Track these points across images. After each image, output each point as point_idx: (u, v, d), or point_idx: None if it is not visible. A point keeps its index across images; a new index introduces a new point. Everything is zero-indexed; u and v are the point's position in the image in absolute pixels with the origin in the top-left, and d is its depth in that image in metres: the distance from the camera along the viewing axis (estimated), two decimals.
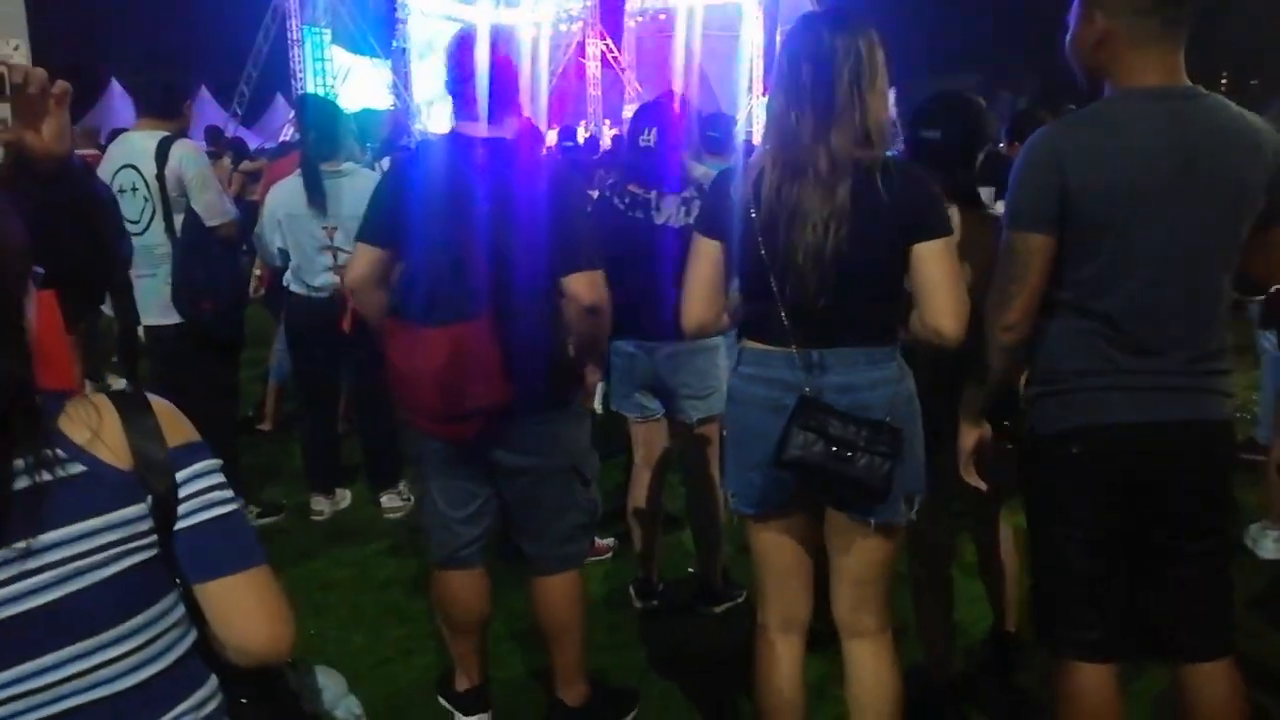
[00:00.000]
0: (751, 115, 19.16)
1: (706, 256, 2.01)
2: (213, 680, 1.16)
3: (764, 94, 20.61)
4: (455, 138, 2.35)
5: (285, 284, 4.09)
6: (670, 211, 3.03)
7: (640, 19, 20.48)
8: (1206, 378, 1.84)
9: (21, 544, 0.99)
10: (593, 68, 17.94)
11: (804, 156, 1.85)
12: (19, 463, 1.00)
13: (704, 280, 2.02)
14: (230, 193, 5.14)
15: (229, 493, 1.15)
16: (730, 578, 3.41)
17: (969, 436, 2.13)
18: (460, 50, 2.31)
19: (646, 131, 3.06)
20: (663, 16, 20.36)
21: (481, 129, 2.29)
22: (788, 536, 2.09)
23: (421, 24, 19.54)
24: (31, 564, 1.00)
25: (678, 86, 16.37)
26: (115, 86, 18.16)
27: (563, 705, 2.63)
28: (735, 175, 1.98)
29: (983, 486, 2.16)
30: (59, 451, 1.02)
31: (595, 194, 3.58)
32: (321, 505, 4.27)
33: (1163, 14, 1.76)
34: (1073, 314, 1.86)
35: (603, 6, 17.12)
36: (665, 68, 17.43)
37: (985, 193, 2.65)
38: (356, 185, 3.81)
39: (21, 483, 1.00)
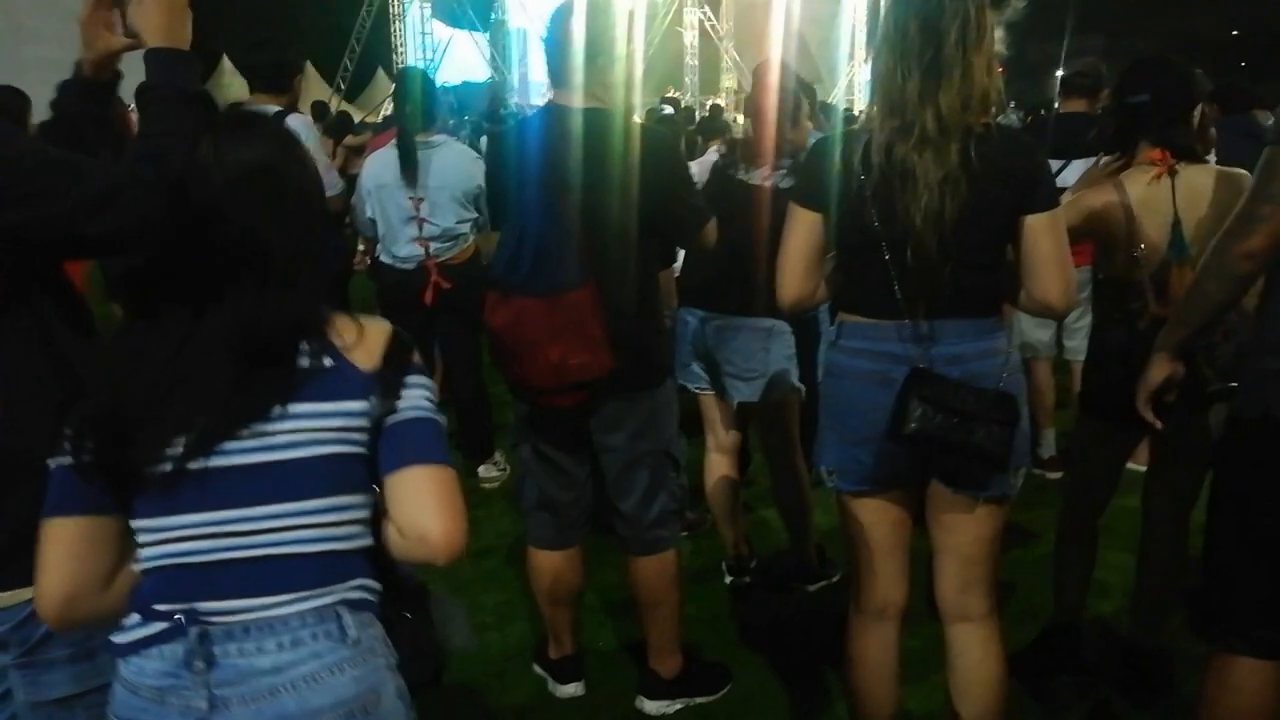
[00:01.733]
0: (853, 83, 18.73)
1: (806, 228, 1.96)
2: (375, 584, 1.26)
3: (866, 60, 20.14)
4: (552, 109, 2.36)
5: (377, 255, 4.17)
6: (757, 172, 2.96)
7: None
8: None
9: (279, 408, 1.18)
10: (690, 37, 17.74)
11: (911, 116, 1.80)
12: (303, 346, 1.22)
13: (803, 252, 1.97)
14: (335, 166, 5.26)
15: (435, 405, 1.29)
16: (827, 555, 3.36)
17: (1159, 369, 1.99)
18: (557, 22, 2.32)
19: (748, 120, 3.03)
20: None
21: (578, 99, 2.30)
22: (888, 515, 2.03)
23: None
24: (284, 425, 1.18)
25: (775, 54, 16.10)
26: (226, 63, 18.87)
27: (656, 676, 2.64)
28: (834, 143, 1.93)
29: (1157, 425, 2.05)
30: (324, 350, 1.22)
31: (709, 158, 3.52)
32: None
33: None
34: None
35: None
36: (764, 35, 17.13)
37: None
38: (445, 158, 3.87)
39: (302, 362, 1.21)
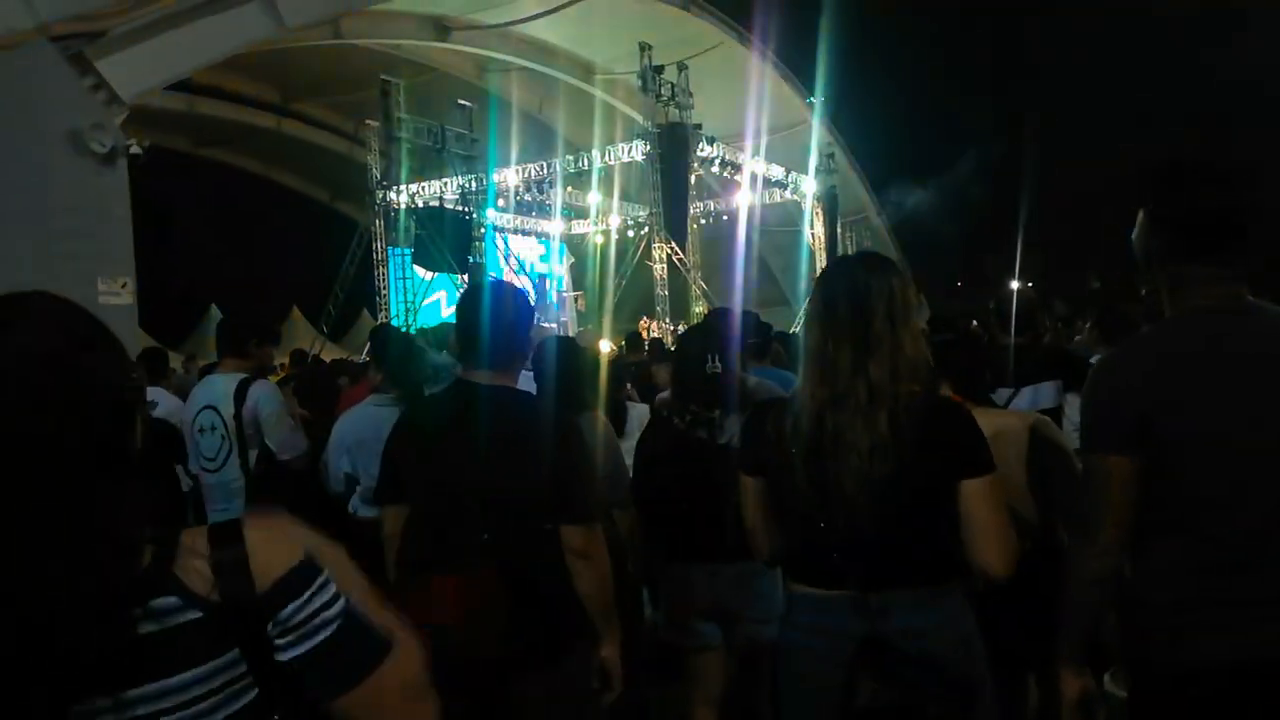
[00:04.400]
0: None
1: (755, 493, 2.05)
2: None
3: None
4: (459, 385, 2.43)
5: (353, 510, 4.17)
6: (734, 431, 3.05)
7: (705, 221, 21.42)
8: None
9: (128, 693, 1.00)
10: (659, 269, 18.62)
11: (843, 387, 1.87)
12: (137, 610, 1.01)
13: (760, 516, 2.06)
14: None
15: (334, 602, 1.09)
16: None
17: (1072, 686, 1.90)
18: (466, 302, 2.45)
19: (711, 359, 3.03)
20: (725, 217, 21.25)
21: (484, 376, 2.36)
22: None
23: (497, 239, 20.71)
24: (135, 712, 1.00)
25: (739, 283, 16.83)
26: (215, 311, 19.55)
27: None
28: (765, 410, 2.02)
29: None
30: (173, 599, 1.03)
31: (653, 409, 3.63)
32: None
33: None
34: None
35: (667, 212, 17.98)
36: (730, 264, 18.03)
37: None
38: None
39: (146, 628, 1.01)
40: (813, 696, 1.91)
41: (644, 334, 14.19)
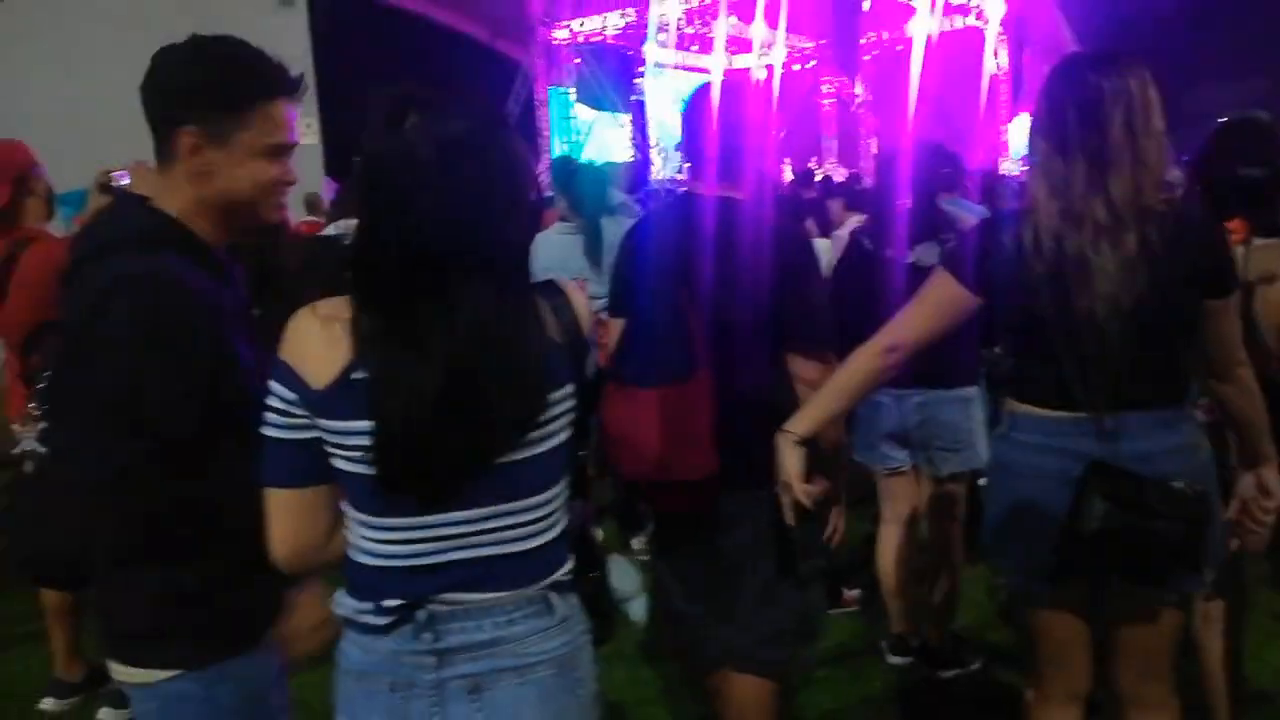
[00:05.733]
0: (1000, 144, 18.36)
1: (956, 308, 1.88)
2: (570, 561, 1.33)
3: (1008, 122, 19.70)
4: (686, 198, 2.29)
5: None
6: (923, 250, 2.97)
7: (876, 52, 20.21)
8: None
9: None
10: (828, 106, 17.83)
11: (1080, 206, 1.74)
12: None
13: (938, 332, 1.90)
14: None
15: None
16: (962, 642, 3.25)
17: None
18: (692, 108, 2.25)
19: (901, 192, 3.01)
20: (899, 47, 19.96)
21: (713, 188, 2.21)
22: (1069, 607, 1.94)
23: (659, 76, 20.26)
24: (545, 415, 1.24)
25: (915, 119, 15.96)
26: None
27: None
28: (998, 224, 1.91)
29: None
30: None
31: (844, 232, 3.57)
32: None
33: None
34: None
35: (837, 43, 17.01)
36: (903, 100, 17.05)
37: None
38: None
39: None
40: (1033, 517, 1.86)
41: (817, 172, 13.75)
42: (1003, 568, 1.98)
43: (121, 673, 1.47)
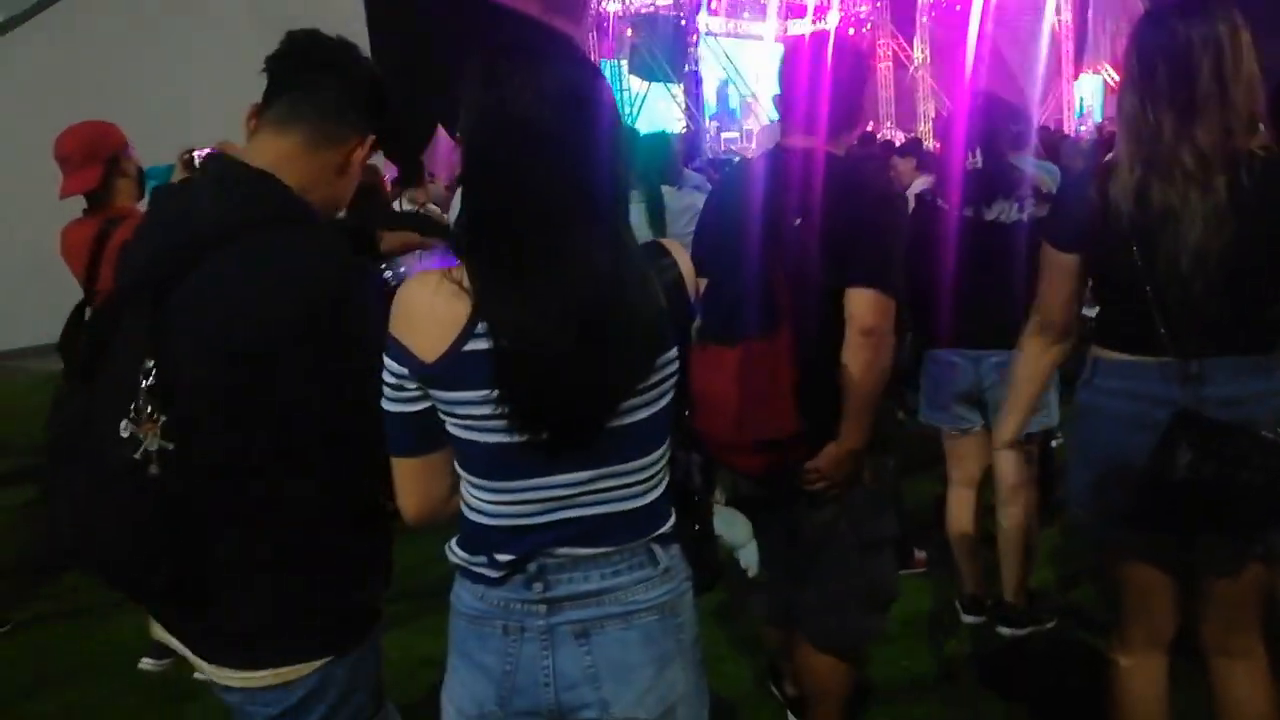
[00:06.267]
0: (1064, 102, 17.91)
1: (1066, 272, 1.93)
2: (673, 515, 1.37)
3: (1075, 78, 19.14)
4: (774, 151, 2.29)
5: None
6: (1001, 208, 2.95)
7: (934, 13, 19.78)
8: None
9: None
10: (884, 69, 17.53)
11: (1167, 155, 1.73)
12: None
13: (1067, 298, 1.95)
14: None
15: None
16: (1037, 600, 3.24)
17: None
18: (784, 62, 2.27)
19: (971, 155, 2.99)
20: (958, 7, 19.51)
21: (800, 140, 2.22)
22: (1153, 555, 1.94)
23: (712, 45, 20.07)
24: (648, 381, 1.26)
25: (976, 79, 15.60)
26: (441, 131, 20.21)
27: None
28: (1082, 180, 1.90)
29: None
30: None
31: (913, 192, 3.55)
32: None
33: None
34: None
35: (893, 5, 16.68)
36: (961, 60, 16.68)
37: None
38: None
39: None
40: (1117, 463, 1.86)
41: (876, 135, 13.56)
42: (1085, 516, 1.97)
43: (249, 679, 1.46)
